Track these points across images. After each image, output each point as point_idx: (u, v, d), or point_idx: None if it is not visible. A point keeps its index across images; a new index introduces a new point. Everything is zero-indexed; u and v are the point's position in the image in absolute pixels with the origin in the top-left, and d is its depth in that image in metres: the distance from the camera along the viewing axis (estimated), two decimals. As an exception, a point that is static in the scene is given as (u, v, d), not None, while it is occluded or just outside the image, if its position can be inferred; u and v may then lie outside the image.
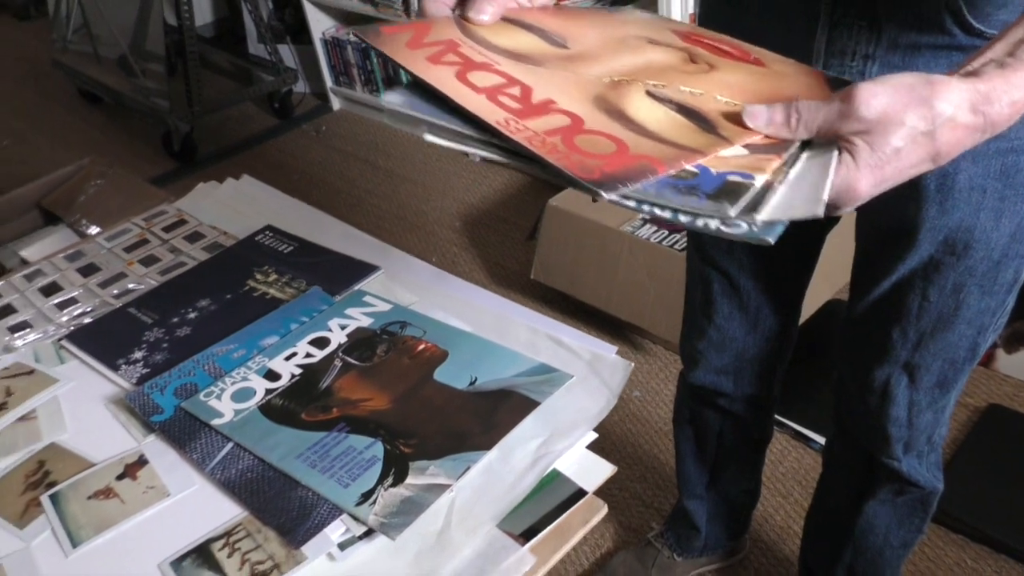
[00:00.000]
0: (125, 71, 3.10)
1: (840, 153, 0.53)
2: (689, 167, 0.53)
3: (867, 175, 0.52)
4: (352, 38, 3.05)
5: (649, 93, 0.60)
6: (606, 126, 0.56)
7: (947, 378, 0.93)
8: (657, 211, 0.50)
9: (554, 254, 2.04)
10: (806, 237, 0.98)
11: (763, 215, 0.49)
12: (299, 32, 3.33)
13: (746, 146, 0.55)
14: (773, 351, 1.10)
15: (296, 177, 2.83)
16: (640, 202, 0.50)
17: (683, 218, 0.50)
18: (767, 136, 0.55)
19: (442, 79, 0.58)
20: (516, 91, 0.58)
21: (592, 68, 0.62)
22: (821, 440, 1.63)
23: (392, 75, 3.01)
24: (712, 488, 1.30)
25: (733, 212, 0.49)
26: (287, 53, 3.34)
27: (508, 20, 0.66)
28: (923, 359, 0.91)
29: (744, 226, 0.49)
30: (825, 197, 0.50)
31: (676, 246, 2.13)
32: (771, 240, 0.49)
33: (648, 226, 2.26)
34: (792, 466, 1.61)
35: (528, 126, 0.55)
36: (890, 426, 0.97)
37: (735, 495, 1.32)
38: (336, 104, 3.32)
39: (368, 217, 2.57)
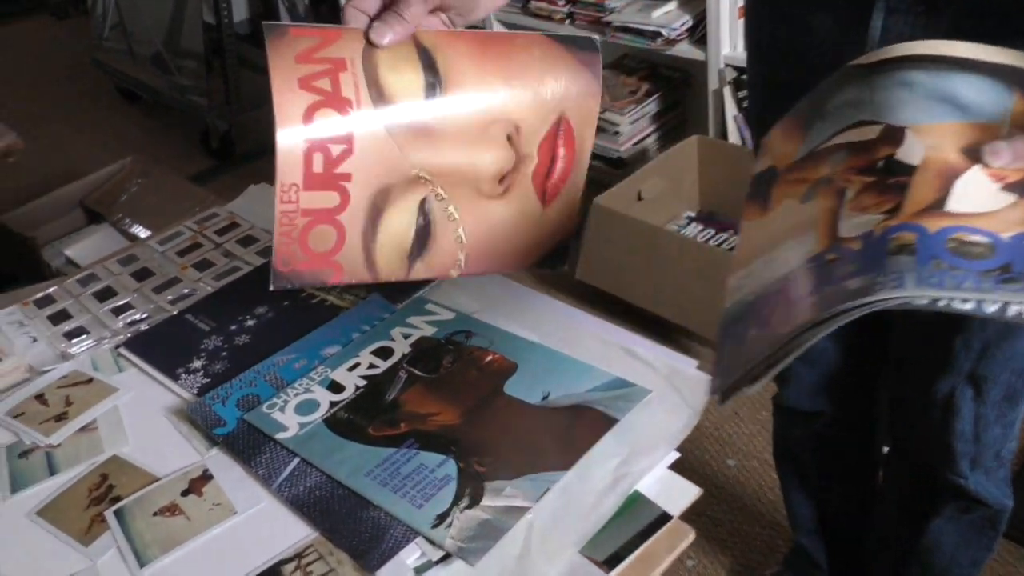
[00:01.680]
0: (159, 69, 3.11)
1: None
2: (975, 238, 0.45)
3: None
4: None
5: (424, 202, 0.68)
6: (351, 221, 0.66)
7: (1016, 390, 0.88)
8: (957, 304, 0.43)
9: (599, 253, 2.00)
10: None
11: None
12: (336, 28, 3.31)
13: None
14: (866, 363, 1.04)
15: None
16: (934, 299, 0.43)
17: (990, 308, 0.42)
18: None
19: (291, 110, 0.63)
20: (338, 149, 0.65)
21: (420, 150, 0.67)
22: None
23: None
24: (825, 523, 1.23)
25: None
26: (324, 50, 3.32)
27: (417, 38, 0.67)
28: (989, 370, 0.86)
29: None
30: None
31: (725, 245, 2.09)
32: None
33: (695, 225, 2.22)
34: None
35: (300, 198, 0.65)
36: (955, 441, 0.92)
37: (848, 522, 1.24)
38: (372, 101, 3.30)
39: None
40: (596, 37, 0.75)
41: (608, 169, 2.42)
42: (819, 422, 1.10)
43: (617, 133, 2.41)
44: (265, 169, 1.35)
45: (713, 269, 1.79)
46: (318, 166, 0.64)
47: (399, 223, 0.69)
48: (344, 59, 0.64)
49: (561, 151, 0.71)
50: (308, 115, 0.64)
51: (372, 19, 0.65)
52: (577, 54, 0.72)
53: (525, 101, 0.71)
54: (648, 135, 2.48)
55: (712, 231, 2.18)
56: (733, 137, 2.20)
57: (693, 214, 2.26)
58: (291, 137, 0.64)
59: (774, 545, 1.50)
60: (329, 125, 0.64)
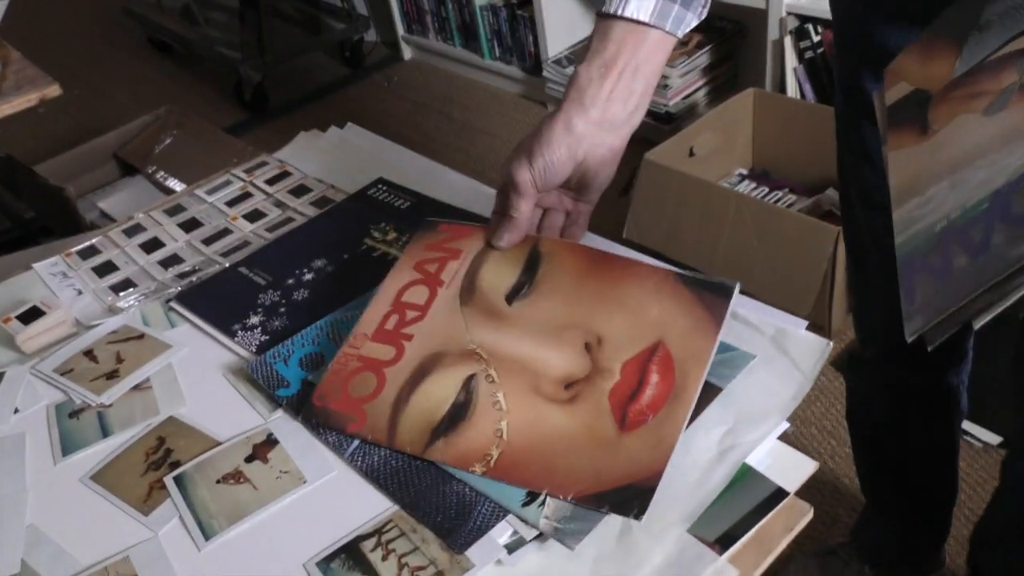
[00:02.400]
0: (188, 20, 3.03)
1: None
2: None
3: None
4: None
5: (471, 379, 0.66)
6: (395, 376, 0.68)
7: None
8: None
9: (650, 212, 1.92)
10: None
11: None
12: (371, -23, 3.22)
13: None
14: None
15: (370, 129, 2.75)
16: None
17: None
18: None
19: (393, 285, 0.75)
20: (412, 315, 0.72)
21: (484, 331, 0.69)
22: (985, 438, 1.49)
23: (468, 22, 2.89)
24: (899, 488, 1.17)
25: None
26: (358, 0, 3.23)
27: (536, 243, 0.74)
28: None
29: None
30: None
31: (783, 205, 2.00)
32: None
33: (747, 183, 2.12)
34: (981, 476, 1.46)
35: (364, 346, 0.71)
36: None
37: (928, 493, 1.18)
38: (407, 53, 3.21)
39: (456, 164, 2.47)
40: (737, 285, 0.67)
41: (656, 125, 2.33)
42: (907, 381, 1.03)
43: (666, 86, 2.31)
44: (301, 121, 1.28)
45: (773, 228, 1.71)
46: (390, 325, 0.72)
47: (437, 392, 0.66)
48: (461, 251, 0.75)
49: (654, 377, 0.62)
50: (403, 290, 0.74)
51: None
52: (701, 294, 0.67)
53: (616, 318, 0.67)
54: (698, 89, 2.38)
55: (766, 189, 2.09)
56: (792, 91, 2.10)
57: (745, 171, 2.17)
58: (382, 304, 0.74)
59: (836, 515, 1.44)
60: (414, 295, 0.73)
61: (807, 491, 1.60)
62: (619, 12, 0.64)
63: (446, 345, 0.69)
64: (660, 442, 0.60)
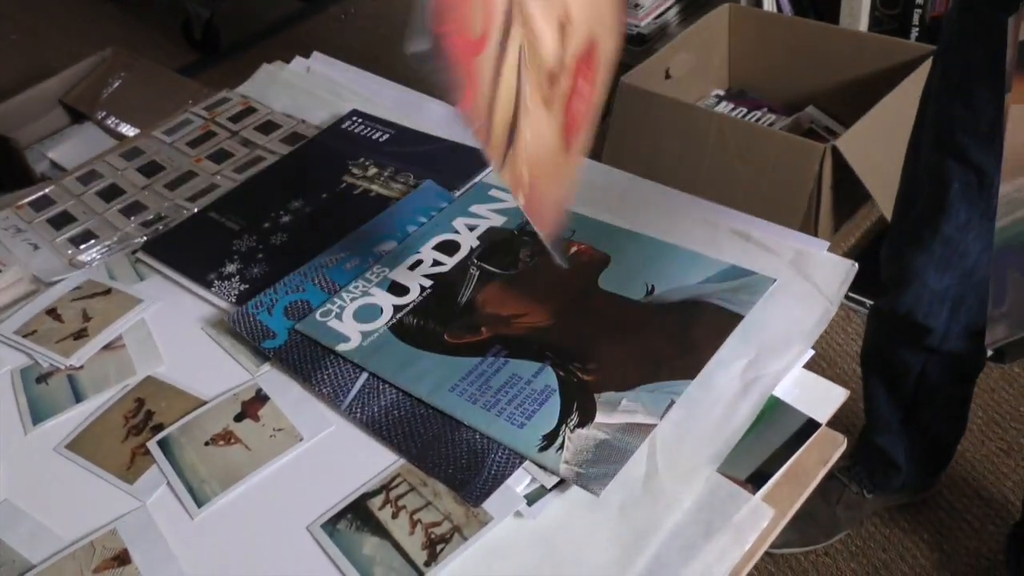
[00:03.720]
0: (132, -45, 2.86)
1: None
2: None
3: None
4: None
5: (521, 51, 0.53)
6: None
7: None
8: None
9: (629, 137, 1.86)
10: None
11: None
12: (319, -98, 3.05)
13: None
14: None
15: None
16: None
17: None
18: None
19: None
20: None
21: None
22: None
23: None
24: (909, 424, 1.14)
25: None
26: (308, -74, 3.06)
27: None
28: None
29: None
30: None
31: (763, 124, 1.95)
32: None
33: (725, 103, 2.07)
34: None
35: None
36: None
37: (938, 430, 1.16)
38: (363, -18, 3.07)
39: (436, 92, 2.38)
40: None
41: (628, 47, 2.24)
42: (930, 336, 0.98)
43: (637, 6, 2.22)
44: (256, 59, 1.19)
45: (759, 150, 1.66)
46: None
47: (512, 69, 0.53)
48: None
49: (585, 86, 0.57)
50: None
51: None
52: None
53: None
54: (669, 7, 2.29)
55: (744, 109, 2.04)
56: (768, 4, 2.03)
57: (722, 92, 2.11)
58: None
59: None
60: None
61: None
62: None
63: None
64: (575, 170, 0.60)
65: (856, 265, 0.64)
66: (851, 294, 1.63)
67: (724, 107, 2.06)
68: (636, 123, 1.83)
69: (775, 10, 2.03)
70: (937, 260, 0.91)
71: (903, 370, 1.06)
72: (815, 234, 1.67)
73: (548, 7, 0.55)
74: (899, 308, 0.97)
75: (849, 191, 1.62)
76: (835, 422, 1.55)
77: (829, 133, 1.87)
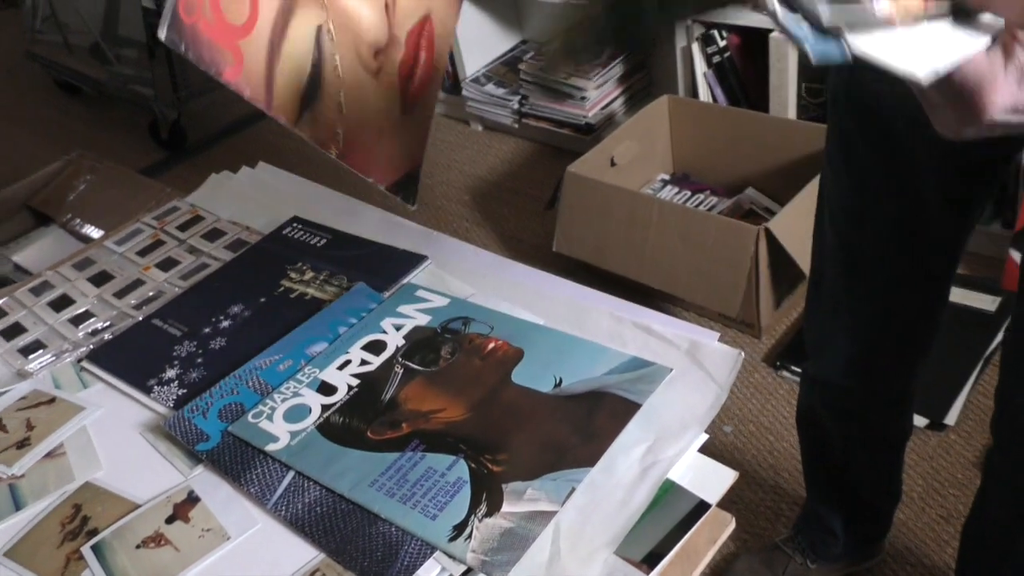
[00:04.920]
0: (99, 59, 2.95)
1: (994, 43, 0.43)
2: None
3: (1010, 86, 0.42)
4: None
5: (320, 30, 0.64)
6: (265, 9, 0.61)
7: None
8: None
9: (577, 224, 1.94)
10: (970, 194, 0.85)
11: (854, 38, 0.41)
12: (282, 6, 3.18)
13: None
14: (916, 339, 0.97)
15: (293, 159, 2.72)
16: None
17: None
18: None
19: None
20: None
21: None
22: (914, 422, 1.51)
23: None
24: (843, 491, 1.18)
25: (824, 10, 0.41)
26: (271, 29, 3.19)
27: None
28: None
29: (803, 29, 0.42)
30: (941, 68, 0.41)
31: (706, 207, 2.04)
32: (812, 57, 0.41)
33: (670, 188, 2.16)
34: (912, 459, 1.47)
35: None
36: None
37: (872, 498, 1.20)
38: (326, 80, 3.19)
39: (371, 198, 2.46)
40: None
41: (577, 136, 2.35)
42: (850, 398, 1.03)
43: (584, 98, 2.34)
44: (221, 157, 1.26)
45: (695, 232, 1.74)
46: None
47: (300, 45, 0.63)
48: None
49: (423, 55, 0.65)
50: None
51: None
52: None
53: None
54: (615, 99, 2.41)
55: (688, 192, 2.13)
56: (704, 95, 2.15)
57: (667, 176, 2.21)
58: None
59: (778, 510, 1.46)
60: None
61: (749, 487, 1.62)
62: None
63: None
64: (422, 124, 0.64)
65: (742, 354, 0.70)
66: (793, 367, 1.69)
67: (669, 191, 2.16)
68: (583, 210, 1.91)
69: (710, 99, 2.14)
70: (846, 329, 0.97)
71: (830, 436, 1.11)
72: (758, 310, 1.74)
73: None
74: (819, 373, 1.03)
75: (787, 268, 1.70)
76: (779, 496, 1.59)
77: (768, 213, 1.96)
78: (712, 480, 0.63)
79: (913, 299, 0.93)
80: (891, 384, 1.01)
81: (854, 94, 0.83)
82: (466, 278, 0.86)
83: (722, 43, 2.05)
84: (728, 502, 1.51)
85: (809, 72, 1.94)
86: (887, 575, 1.33)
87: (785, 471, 1.51)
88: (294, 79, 0.64)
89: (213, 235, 1.01)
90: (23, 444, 0.75)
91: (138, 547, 0.64)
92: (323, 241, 0.95)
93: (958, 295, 1.73)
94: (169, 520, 0.66)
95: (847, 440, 1.10)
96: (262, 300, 0.88)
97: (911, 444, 1.50)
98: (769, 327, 1.79)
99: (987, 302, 1.70)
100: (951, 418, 1.51)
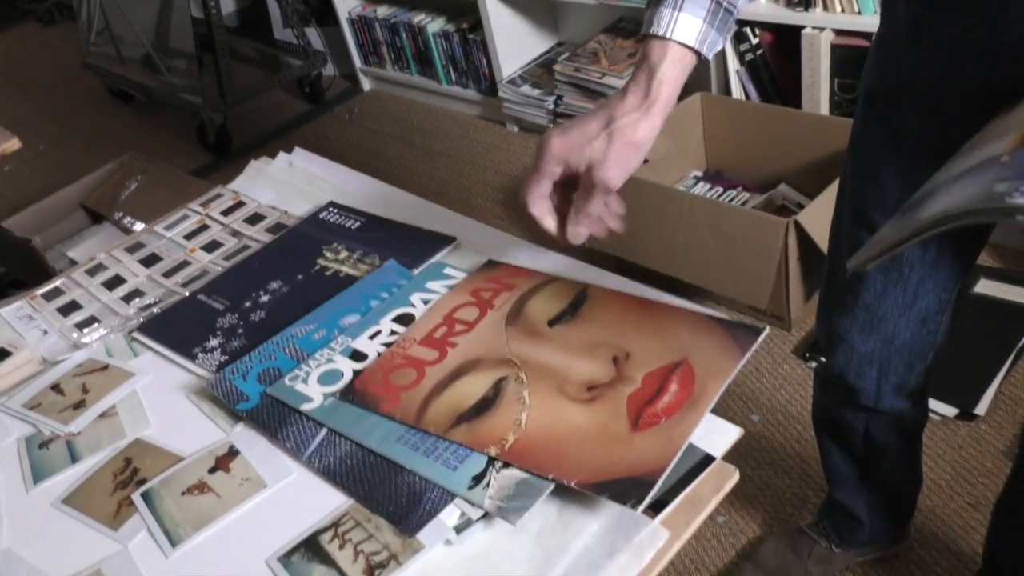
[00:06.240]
0: (150, 69, 3.07)
1: None
2: None
3: None
4: (378, 15, 2.98)
5: (502, 380, 0.71)
6: (434, 373, 0.74)
7: None
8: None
9: (609, 219, 1.97)
10: None
11: None
12: (325, 14, 3.28)
13: None
14: (928, 336, 0.97)
15: (333, 161, 2.79)
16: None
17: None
18: None
19: (448, 302, 0.83)
20: (461, 328, 0.79)
21: (523, 346, 0.75)
22: (942, 411, 1.53)
23: (422, 50, 2.95)
24: (866, 481, 1.19)
25: None
26: (314, 36, 3.29)
27: (586, 289, 0.80)
28: None
29: None
30: None
31: (738, 203, 2.06)
32: None
33: (703, 184, 2.19)
34: (940, 447, 1.50)
35: (411, 348, 0.77)
36: None
37: (894, 487, 1.21)
38: (367, 85, 3.27)
39: (404, 185, 2.51)
40: (766, 329, 0.73)
41: (611, 135, 2.38)
42: (864, 395, 1.04)
43: (617, 98, 2.37)
44: (265, 157, 1.33)
45: (725, 225, 1.76)
46: (439, 334, 0.79)
47: (470, 387, 0.72)
48: (514, 285, 0.83)
49: (673, 387, 0.67)
50: (456, 309, 0.81)
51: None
52: (733, 331, 0.72)
53: (645, 339, 0.73)
54: (649, 98, 2.44)
55: (720, 189, 2.15)
56: (736, 92, 2.17)
57: (700, 173, 2.23)
58: (434, 317, 0.81)
59: (804, 497, 1.48)
60: (465, 314, 0.80)
61: (776, 474, 1.63)
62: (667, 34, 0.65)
63: (486, 353, 0.75)
64: (668, 442, 0.63)
65: (767, 327, 0.73)
66: (822, 359, 1.70)
67: (702, 188, 2.18)
68: (615, 205, 1.94)
69: (743, 97, 2.16)
70: (861, 324, 0.98)
71: (849, 429, 1.12)
72: (788, 303, 1.75)
73: (580, 356, 0.73)
74: (833, 369, 1.04)
75: (816, 261, 1.71)
76: (806, 482, 1.61)
77: (800, 208, 1.97)
78: (718, 436, 0.67)
79: (930, 292, 0.93)
80: (905, 377, 1.02)
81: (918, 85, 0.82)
82: (492, 255, 0.90)
83: (755, 40, 2.07)
84: (756, 489, 1.55)
85: (842, 69, 1.95)
86: (914, 560, 1.34)
87: (812, 459, 1.52)
88: (451, 408, 0.70)
89: (254, 219, 1.07)
90: (79, 406, 0.81)
91: (183, 494, 0.69)
92: (357, 224, 1.00)
93: (991, 288, 1.73)
94: (211, 471, 0.71)
95: (866, 435, 1.11)
96: (299, 277, 0.93)
97: (940, 433, 1.51)
98: (799, 320, 1.80)
99: (1021, 295, 1.69)
100: (981, 408, 1.51)
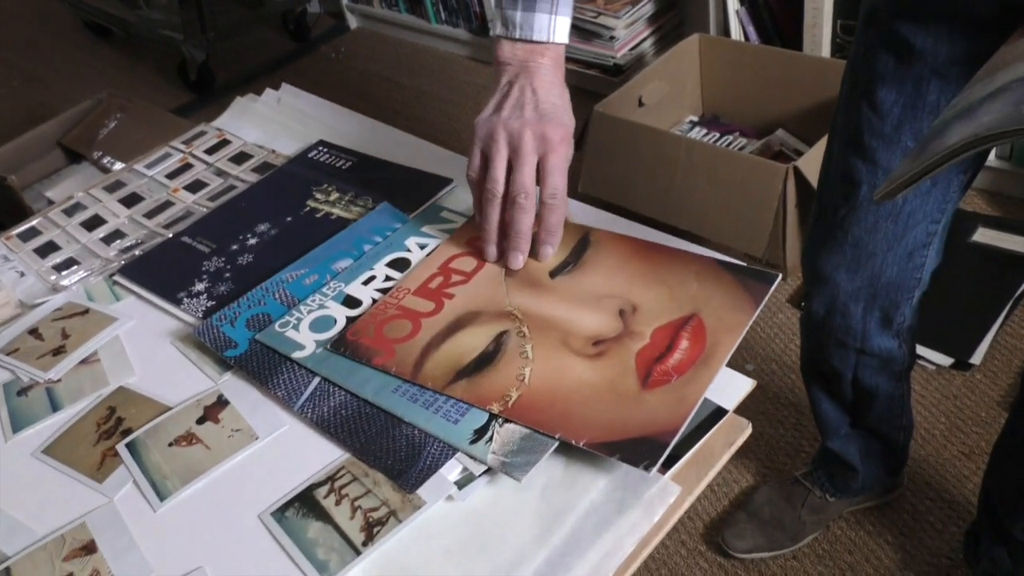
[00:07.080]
0: (128, 4, 2.96)
1: None
2: None
3: None
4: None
5: (503, 334, 0.68)
6: (430, 325, 0.70)
7: None
8: None
9: (603, 163, 1.93)
10: None
11: None
12: (309, -54, 3.15)
13: None
14: (914, 271, 0.95)
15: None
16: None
17: None
18: None
19: (443, 252, 0.79)
20: (458, 278, 0.75)
21: (524, 297, 0.72)
22: (937, 360, 1.52)
23: (411, -14, 2.84)
24: (857, 428, 1.18)
25: None
26: (298, -30, 3.17)
27: (587, 233, 0.78)
28: None
29: None
30: None
31: (734, 147, 2.02)
32: None
33: (699, 129, 2.14)
34: (935, 397, 1.49)
35: (405, 299, 0.74)
36: None
37: (885, 432, 1.20)
38: (353, 22, 3.17)
39: (396, 122, 2.45)
40: (778, 276, 0.70)
41: (605, 77, 2.32)
42: (851, 336, 1.03)
43: (612, 38, 2.30)
44: (251, 94, 1.27)
45: (724, 172, 1.72)
46: (434, 284, 0.75)
47: (469, 341, 0.68)
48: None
49: (684, 343, 0.64)
50: (452, 258, 0.77)
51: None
52: (744, 280, 0.69)
53: (653, 291, 0.70)
54: (644, 39, 2.37)
55: (717, 134, 2.11)
56: (736, 33, 2.11)
57: (696, 118, 2.18)
58: (429, 267, 0.77)
59: (799, 446, 1.47)
60: (462, 264, 0.77)
61: (771, 423, 1.63)
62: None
63: (485, 306, 0.72)
64: (681, 401, 0.60)
65: (780, 276, 0.70)
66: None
67: (697, 132, 2.13)
68: (610, 150, 1.89)
69: (742, 38, 2.10)
70: (848, 262, 0.96)
71: (837, 376, 1.10)
72: (784, 250, 1.72)
73: (585, 308, 0.70)
74: (818, 310, 1.03)
75: (814, 209, 1.68)
76: (800, 433, 1.60)
77: (798, 155, 1.93)
78: (730, 388, 0.64)
79: (919, 223, 0.92)
80: (891, 315, 1.01)
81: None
82: (490, 198, 0.86)
83: (755, -21, 2.00)
84: (750, 438, 1.53)
85: (845, 9, 1.89)
86: (907, 509, 1.34)
87: (806, 408, 1.50)
88: (450, 363, 0.66)
89: (240, 158, 1.02)
90: (59, 351, 0.77)
91: (170, 445, 0.66)
92: (349, 164, 0.96)
93: (989, 236, 1.71)
94: (200, 421, 0.68)
95: (855, 380, 1.10)
96: (288, 219, 0.89)
97: (935, 383, 1.50)
98: (795, 268, 1.78)
99: (1019, 243, 1.67)
100: (977, 358, 1.50)
